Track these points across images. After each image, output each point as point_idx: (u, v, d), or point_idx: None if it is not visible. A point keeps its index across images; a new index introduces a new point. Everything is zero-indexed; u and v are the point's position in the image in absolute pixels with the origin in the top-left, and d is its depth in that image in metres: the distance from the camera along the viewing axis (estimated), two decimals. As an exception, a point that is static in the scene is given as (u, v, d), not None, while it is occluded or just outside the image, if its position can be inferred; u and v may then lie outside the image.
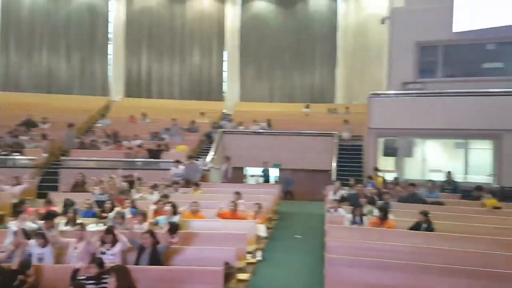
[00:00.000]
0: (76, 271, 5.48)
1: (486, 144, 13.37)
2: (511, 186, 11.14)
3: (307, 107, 20.61)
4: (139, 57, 23.61)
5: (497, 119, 12.38)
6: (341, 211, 8.88)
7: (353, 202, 9.03)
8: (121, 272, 5.00)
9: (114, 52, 23.19)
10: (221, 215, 8.61)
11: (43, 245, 6.22)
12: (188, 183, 11.72)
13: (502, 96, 12.61)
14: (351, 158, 15.62)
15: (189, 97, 23.42)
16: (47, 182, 13.04)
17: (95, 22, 22.92)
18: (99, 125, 18.14)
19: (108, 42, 23.17)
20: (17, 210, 8.19)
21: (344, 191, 10.78)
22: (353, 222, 8.14)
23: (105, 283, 5.07)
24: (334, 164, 14.67)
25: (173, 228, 6.69)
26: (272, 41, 23.73)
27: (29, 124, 16.58)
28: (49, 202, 9.07)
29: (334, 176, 13.92)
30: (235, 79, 24.06)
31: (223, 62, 24.19)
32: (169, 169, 12.91)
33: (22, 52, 22.11)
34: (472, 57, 14.79)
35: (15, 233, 6.36)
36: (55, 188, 12.28)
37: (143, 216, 7.77)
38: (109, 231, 6.31)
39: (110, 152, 14.67)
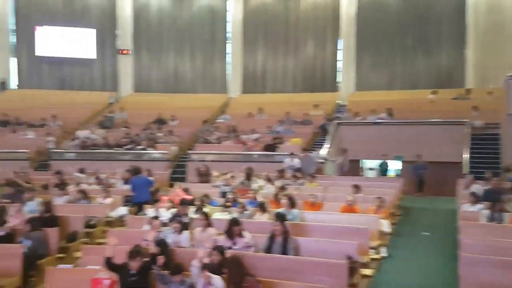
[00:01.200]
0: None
1: None
2: None
3: (434, 93, 18.99)
4: (255, 54, 24.21)
5: None
6: (479, 206, 8.03)
7: (491, 197, 8.10)
8: (232, 264, 5.12)
9: (232, 50, 24.17)
10: (341, 209, 8.40)
11: (180, 231, 6.49)
12: (303, 174, 11.71)
13: None
14: (486, 149, 13.99)
15: (302, 90, 23.31)
16: (177, 174, 14.18)
17: (215, 22, 24.14)
18: (221, 120, 19.17)
19: (226, 41, 24.25)
20: (153, 199, 9.08)
21: (477, 185, 9.72)
22: (491, 219, 7.34)
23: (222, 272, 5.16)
24: (465, 156, 13.30)
25: (280, 218, 6.48)
26: (391, 24, 22.33)
27: (160, 122, 18.25)
28: (186, 190, 9.79)
29: (466, 169, 12.63)
30: (351, 68, 23.22)
31: (337, 51, 23.56)
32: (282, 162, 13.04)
33: (152, 55, 24.34)
34: None
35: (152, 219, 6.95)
36: (182, 179, 13.29)
37: (263, 207, 7.94)
38: (235, 223, 6.26)
39: (230, 146, 15.38)
